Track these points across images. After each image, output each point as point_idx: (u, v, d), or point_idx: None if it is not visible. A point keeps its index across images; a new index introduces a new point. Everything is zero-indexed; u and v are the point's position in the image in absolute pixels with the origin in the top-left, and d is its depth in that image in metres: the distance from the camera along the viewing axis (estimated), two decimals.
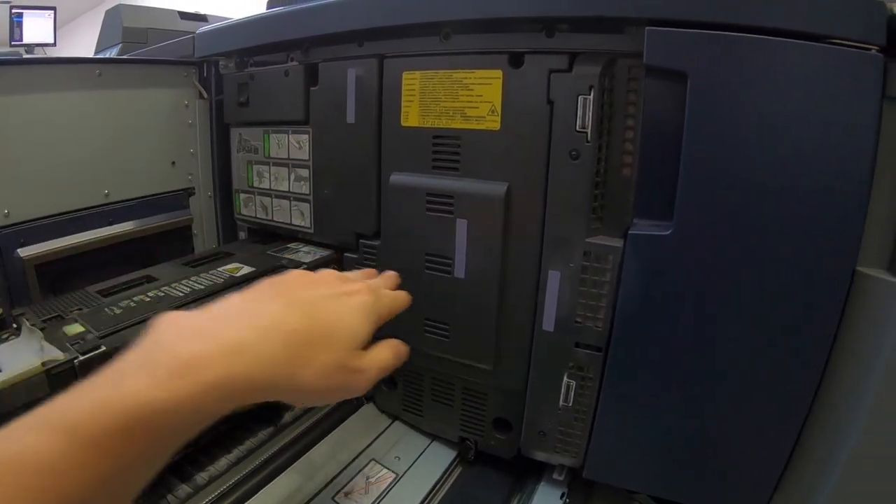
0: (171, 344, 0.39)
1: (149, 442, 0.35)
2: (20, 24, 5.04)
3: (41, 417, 0.33)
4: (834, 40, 0.48)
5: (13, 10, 5.03)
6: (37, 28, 5.11)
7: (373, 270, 0.65)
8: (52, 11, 5.18)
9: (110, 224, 0.91)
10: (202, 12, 1.65)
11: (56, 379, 0.52)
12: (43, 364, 0.51)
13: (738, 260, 0.54)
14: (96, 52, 1.53)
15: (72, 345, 0.56)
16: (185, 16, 1.57)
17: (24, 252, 0.79)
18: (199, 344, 0.39)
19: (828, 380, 0.53)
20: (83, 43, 6.27)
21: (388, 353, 0.53)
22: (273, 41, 0.85)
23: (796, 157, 0.49)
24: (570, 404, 0.66)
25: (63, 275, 0.86)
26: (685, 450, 0.62)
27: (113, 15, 1.47)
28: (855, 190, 0.48)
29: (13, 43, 5.03)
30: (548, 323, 0.65)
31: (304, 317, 0.45)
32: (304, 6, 0.79)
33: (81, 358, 0.54)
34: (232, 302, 0.46)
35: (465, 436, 0.79)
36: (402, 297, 0.59)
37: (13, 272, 0.79)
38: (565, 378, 0.66)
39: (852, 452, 0.51)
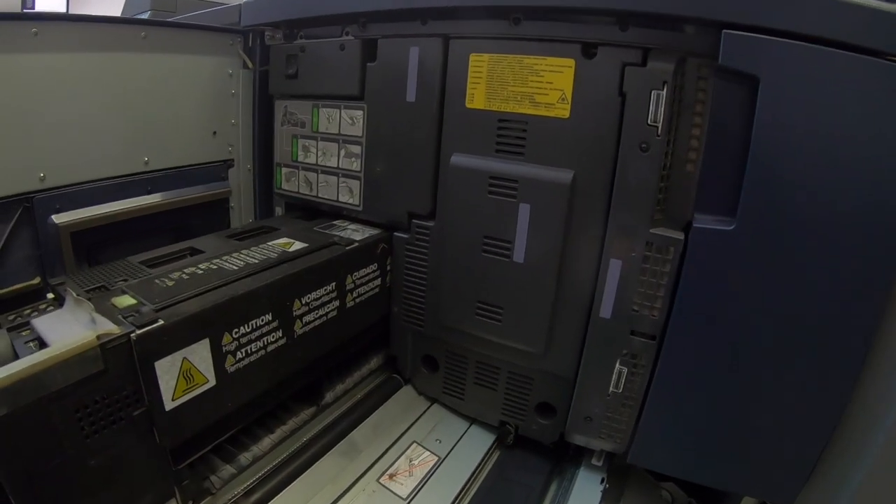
0: None
1: None
2: None
3: None
4: (891, 57, 0.52)
5: None
6: None
7: None
8: None
9: (149, 193, 0.92)
10: None
11: (111, 353, 0.52)
12: (98, 338, 0.51)
13: (793, 258, 0.58)
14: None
15: (125, 317, 0.56)
16: None
17: (59, 218, 0.80)
18: None
19: (864, 379, 0.58)
20: (95, 12, 6.21)
21: None
22: (329, 13, 0.87)
23: (852, 166, 0.54)
24: (620, 390, 0.71)
25: (98, 244, 0.87)
26: (728, 438, 0.67)
27: None
28: None
29: (24, 10, 4.99)
30: (605, 310, 0.69)
31: None
32: None
33: (139, 332, 0.54)
34: None
35: (506, 420, 0.83)
36: None
37: (47, 239, 0.80)
38: (617, 365, 0.70)
39: (882, 448, 0.55)
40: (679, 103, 0.63)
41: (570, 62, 0.66)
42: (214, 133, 1.02)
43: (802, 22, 0.54)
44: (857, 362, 0.58)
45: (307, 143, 0.95)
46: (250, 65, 1.03)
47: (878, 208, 0.53)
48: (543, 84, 0.68)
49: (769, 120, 0.56)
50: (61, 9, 5.18)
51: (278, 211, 1.06)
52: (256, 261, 0.74)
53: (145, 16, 1.44)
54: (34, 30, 0.74)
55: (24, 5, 5.08)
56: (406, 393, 0.92)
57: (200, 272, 0.70)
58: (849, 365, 0.58)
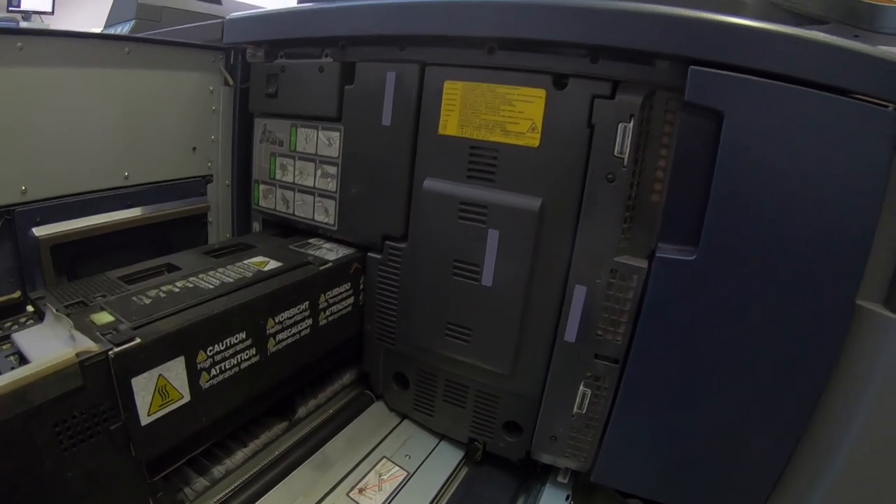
0: None
1: None
2: None
3: None
4: (856, 95, 0.54)
5: None
6: None
7: None
8: None
9: (128, 207, 0.92)
10: None
11: (89, 370, 0.53)
12: (77, 355, 0.52)
13: (755, 287, 0.60)
14: (106, 26, 1.53)
15: (103, 335, 0.57)
16: None
17: (39, 231, 0.80)
18: None
19: (824, 401, 0.60)
20: (81, 15, 6.15)
21: None
22: (310, 36, 0.88)
23: (813, 198, 0.56)
24: (584, 411, 0.72)
25: (78, 257, 0.87)
26: (690, 459, 0.69)
27: None
28: (861, 231, 0.55)
29: (10, 9, 4.93)
30: (570, 334, 0.70)
31: None
32: (345, 4, 0.82)
33: (117, 349, 0.55)
34: None
35: (474, 437, 0.84)
36: None
37: (27, 252, 0.80)
38: (581, 387, 0.71)
39: (841, 471, 0.58)
40: (646, 135, 0.65)
41: (542, 92, 0.68)
42: (194, 149, 1.02)
43: (767, 60, 0.56)
44: (818, 386, 0.60)
45: (285, 162, 0.96)
46: (231, 82, 1.03)
47: (835, 236, 0.56)
48: (515, 113, 0.69)
49: (732, 154, 0.58)
50: (47, 8, 5.15)
51: (256, 226, 1.06)
52: (231, 280, 0.74)
53: (130, 24, 1.44)
54: (19, 44, 0.75)
55: (9, 3, 5.05)
56: (377, 409, 0.93)
57: (177, 290, 0.70)
58: (808, 388, 0.60)
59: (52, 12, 5.18)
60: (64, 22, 5.51)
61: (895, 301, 0.55)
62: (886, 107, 0.54)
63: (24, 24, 4.64)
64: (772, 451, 0.64)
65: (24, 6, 5.09)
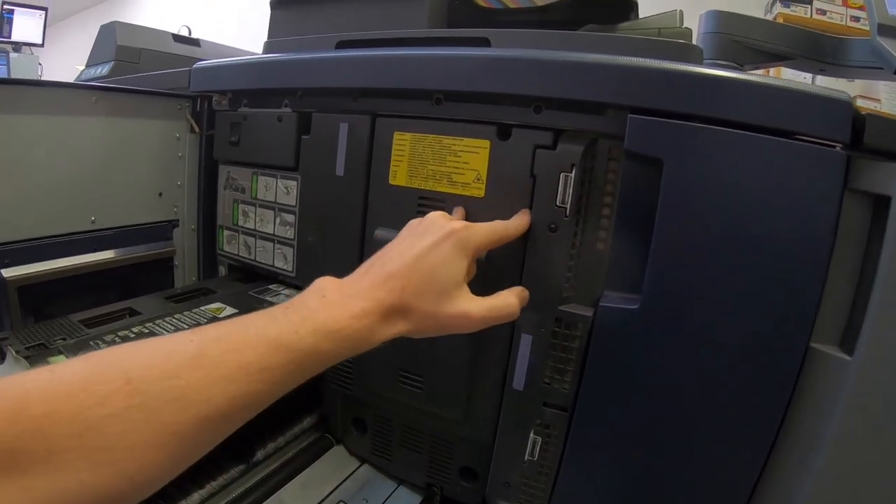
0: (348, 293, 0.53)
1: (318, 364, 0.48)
2: (10, 21, 5.02)
3: (264, 335, 0.44)
4: (801, 137, 0.53)
5: (5, 6, 5.00)
6: (26, 26, 5.09)
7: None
8: (44, 12, 5.17)
9: (94, 251, 0.92)
10: (195, 36, 1.67)
11: None
12: None
13: (701, 334, 0.58)
14: (87, 66, 1.54)
15: None
16: (178, 38, 1.59)
17: (7, 273, 0.80)
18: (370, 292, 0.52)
19: (778, 447, 0.58)
20: (70, 45, 6.23)
21: (510, 298, 0.61)
22: (269, 87, 0.88)
23: (760, 242, 0.54)
24: (535, 458, 0.70)
25: (44, 299, 0.87)
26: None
27: (107, 31, 1.48)
28: (812, 273, 0.53)
29: (1, 39, 5.03)
30: (518, 382, 0.69)
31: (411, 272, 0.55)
32: (301, 56, 0.83)
33: None
34: (383, 264, 0.56)
35: (431, 482, 0.82)
36: (499, 227, 0.63)
37: None
38: (532, 434, 0.69)
39: None
40: (589, 184, 0.64)
41: (486, 143, 0.67)
42: (160, 194, 1.02)
43: (706, 105, 0.55)
44: (770, 431, 0.58)
45: (247, 209, 0.95)
46: (197, 129, 1.03)
47: (784, 280, 0.54)
48: (460, 164, 0.69)
49: (672, 201, 0.57)
50: (37, 40, 5.23)
51: (222, 270, 1.05)
52: (186, 326, 0.73)
53: (109, 66, 1.44)
54: None
55: (0, 33, 5.12)
56: (336, 453, 0.90)
57: (132, 335, 0.70)
58: (760, 435, 0.58)
59: (42, 45, 5.25)
60: (52, 53, 5.60)
61: (850, 343, 0.53)
62: (834, 147, 0.53)
63: (14, 56, 4.73)
64: (727, 498, 0.62)
65: (15, 37, 5.17)
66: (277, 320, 0.47)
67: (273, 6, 1.00)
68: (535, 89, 0.64)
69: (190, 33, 1.80)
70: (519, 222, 0.64)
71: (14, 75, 4.50)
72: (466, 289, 0.58)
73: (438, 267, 0.55)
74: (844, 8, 3.26)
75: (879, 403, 0.52)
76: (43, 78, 4.85)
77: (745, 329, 0.57)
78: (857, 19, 3.20)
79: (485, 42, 0.75)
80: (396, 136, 0.74)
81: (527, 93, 0.64)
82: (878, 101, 3.13)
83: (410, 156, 0.73)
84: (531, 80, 0.64)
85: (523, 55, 0.64)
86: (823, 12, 3.26)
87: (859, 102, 3.08)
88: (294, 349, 0.45)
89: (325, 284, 0.53)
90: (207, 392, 0.40)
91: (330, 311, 0.49)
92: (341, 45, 0.86)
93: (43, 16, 5.18)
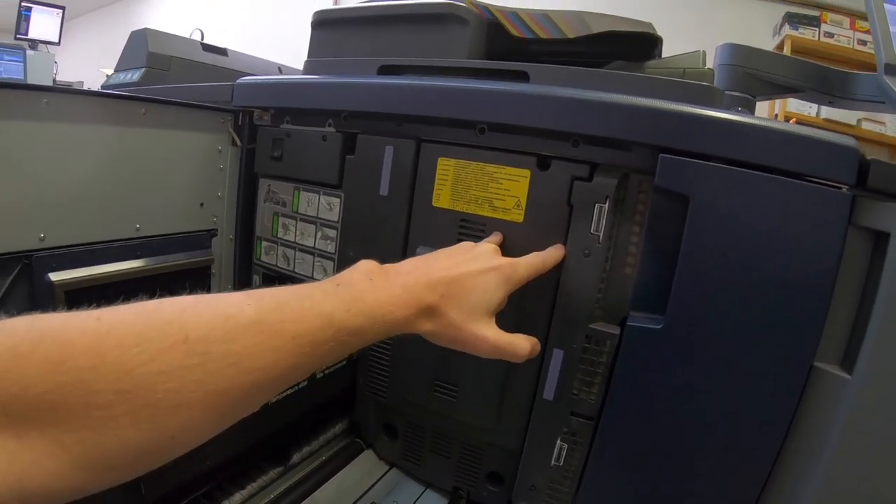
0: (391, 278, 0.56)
1: (357, 343, 0.51)
2: (28, 19, 5.04)
3: (313, 310, 0.46)
4: (811, 178, 0.60)
5: (23, 4, 5.03)
6: (43, 25, 5.11)
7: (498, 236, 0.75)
8: (61, 11, 5.19)
9: (138, 257, 0.96)
10: (223, 46, 1.72)
11: None
12: None
13: (717, 353, 0.65)
14: (117, 71, 1.57)
15: None
16: (206, 48, 1.63)
17: (55, 276, 0.83)
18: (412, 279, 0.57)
19: (784, 456, 0.65)
20: (86, 44, 6.26)
21: (524, 343, 0.65)
22: (314, 107, 0.94)
23: (771, 271, 0.62)
24: (561, 464, 0.77)
25: (89, 303, 0.88)
26: None
27: (138, 37, 1.53)
28: (818, 299, 0.60)
29: (18, 36, 5.03)
30: (548, 392, 0.75)
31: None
32: (348, 80, 0.89)
33: None
34: (428, 267, 0.60)
35: (458, 486, 0.89)
36: (538, 261, 0.68)
37: (43, 296, 0.83)
38: (559, 441, 0.76)
39: None
40: (620, 214, 0.71)
41: (527, 173, 0.73)
42: (202, 204, 1.07)
43: (729, 147, 0.62)
44: (775, 444, 0.65)
45: (287, 222, 1.01)
46: (238, 142, 1.08)
47: (793, 306, 0.61)
48: (501, 191, 0.75)
49: (696, 234, 0.64)
50: (54, 38, 5.25)
51: (256, 280, 1.10)
52: None
53: (140, 72, 1.49)
54: (45, 100, 0.79)
55: (17, 31, 5.14)
56: (367, 457, 0.96)
57: None
58: (767, 447, 0.65)
59: (59, 43, 5.27)
60: (68, 51, 5.62)
61: (850, 363, 0.60)
62: (840, 188, 0.60)
63: (30, 53, 4.71)
64: (735, 501, 0.69)
65: (32, 35, 5.18)
66: (330, 297, 0.48)
67: (314, 26, 1.05)
68: (573, 126, 0.70)
69: (203, 37, 1.84)
70: (555, 255, 0.71)
71: (30, 73, 4.57)
72: (493, 318, 0.63)
73: (479, 291, 0.61)
74: (852, 31, 3.35)
75: (877, 419, 0.59)
76: (58, 76, 4.87)
77: (757, 349, 0.64)
78: (863, 42, 3.28)
79: (524, 76, 0.81)
80: (441, 161, 0.80)
81: (566, 129, 0.71)
82: (882, 123, 3.21)
83: (454, 180, 0.79)
84: (570, 117, 0.70)
85: (563, 94, 0.71)
86: (831, 35, 3.35)
87: (864, 125, 3.16)
88: (343, 327, 0.47)
89: (370, 267, 0.56)
90: (261, 359, 0.41)
91: (377, 295, 0.52)
92: (383, 69, 0.92)
93: (60, 14, 5.20)
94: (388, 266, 0.59)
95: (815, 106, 3.06)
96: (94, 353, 0.34)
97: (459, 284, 0.60)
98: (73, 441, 0.32)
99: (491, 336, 0.61)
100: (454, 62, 0.88)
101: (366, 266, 0.56)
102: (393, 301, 0.53)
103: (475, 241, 0.74)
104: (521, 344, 0.64)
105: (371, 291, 0.52)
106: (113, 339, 0.35)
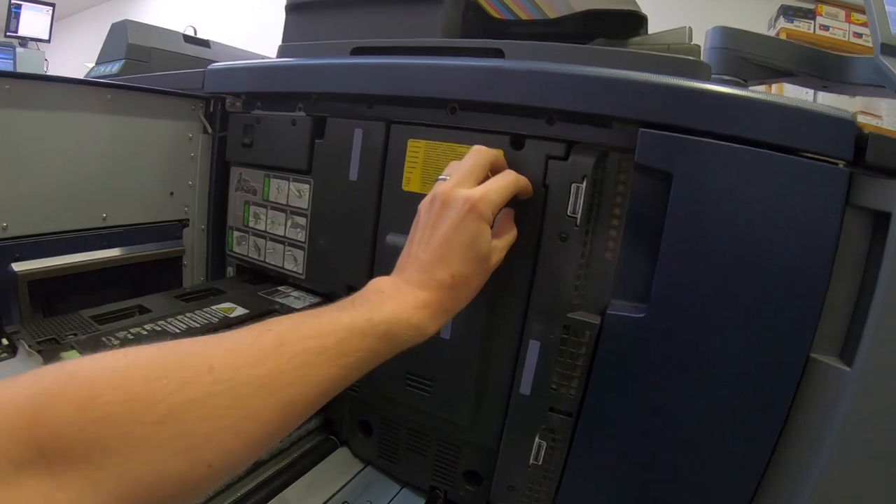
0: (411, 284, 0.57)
1: (391, 349, 0.53)
2: (17, 16, 5.03)
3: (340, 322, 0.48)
4: (805, 154, 0.55)
5: (12, 1, 5.02)
6: (34, 22, 5.10)
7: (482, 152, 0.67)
8: (52, 8, 5.18)
9: (105, 248, 0.93)
10: (204, 37, 1.69)
11: None
12: None
13: (705, 344, 0.60)
14: (98, 63, 1.54)
15: None
16: (188, 39, 1.59)
17: (18, 267, 0.81)
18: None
19: (779, 453, 0.60)
20: (76, 42, 6.24)
21: (512, 232, 0.66)
22: (283, 90, 0.90)
23: (762, 254, 0.56)
24: (540, 463, 0.72)
25: (54, 294, 0.88)
26: None
27: (119, 29, 1.49)
28: (814, 285, 0.55)
29: (8, 34, 5.02)
30: (525, 387, 0.70)
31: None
32: (317, 62, 0.84)
33: None
34: (417, 256, 0.60)
35: (435, 485, 0.84)
36: (509, 181, 0.63)
37: (5, 286, 0.81)
38: (537, 439, 0.71)
39: None
40: (599, 195, 0.66)
41: (500, 153, 0.68)
42: (172, 193, 1.03)
43: (715, 121, 0.57)
44: (771, 438, 0.59)
45: (258, 211, 0.96)
46: (210, 130, 1.04)
47: (787, 292, 0.56)
48: None
49: (680, 213, 0.59)
50: (44, 36, 5.24)
51: (230, 271, 1.06)
52: (198, 325, 0.74)
53: (119, 64, 1.46)
54: (7, 86, 0.76)
55: (7, 28, 5.13)
56: (341, 454, 0.92)
57: (145, 333, 0.70)
58: (762, 441, 0.60)
59: (49, 40, 5.26)
60: (59, 49, 5.60)
61: (850, 354, 0.55)
62: (836, 164, 0.55)
63: (20, 51, 4.71)
64: (727, 501, 0.63)
65: (22, 32, 5.17)
66: (347, 310, 0.50)
67: (288, 10, 1.01)
68: (547, 101, 0.66)
69: (196, 33, 1.81)
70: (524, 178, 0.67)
71: (20, 70, 4.45)
72: (493, 242, 0.62)
73: (470, 244, 0.58)
74: (847, 24, 3.30)
75: (877, 413, 0.54)
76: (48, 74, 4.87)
77: (748, 338, 0.58)
78: (859, 35, 3.24)
79: (499, 53, 0.76)
80: (411, 143, 0.76)
81: (540, 105, 0.66)
82: (879, 117, 3.16)
83: (424, 163, 0.74)
84: (544, 92, 0.66)
85: (537, 67, 0.66)
86: (826, 28, 3.30)
87: (861, 119, 3.10)
88: (368, 335, 0.48)
89: (380, 284, 0.57)
90: (290, 378, 0.42)
91: (394, 303, 0.53)
92: (356, 51, 0.88)
93: (50, 11, 5.19)
94: (392, 276, 0.60)
95: (811, 93, 3.01)
96: (121, 388, 0.34)
97: (451, 251, 0.58)
98: (108, 478, 0.33)
99: (498, 258, 0.63)
100: (428, 42, 0.83)
101: (376, 283, 0.57)
102: (412, 304, 0.55)
103: None
104: (513, 231, 0.66)
105: (387, 300, 0.53)
106: (139, 374, 0.36)
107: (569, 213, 0.65)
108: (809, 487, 0.57)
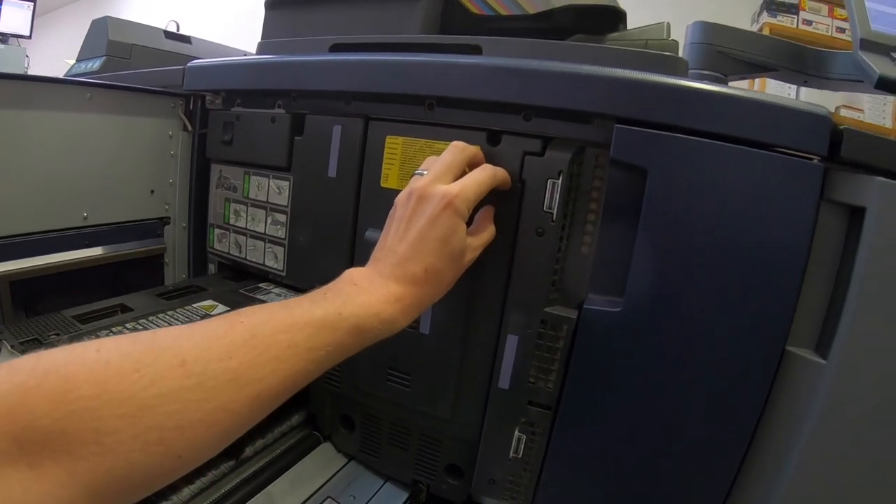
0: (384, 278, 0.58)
1: (359, 343, 0.53)
2: None
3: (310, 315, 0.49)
4: (779, 149, 0.56)
5: None
6: (14, 18, 5.02)
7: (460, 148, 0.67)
8: (32, 4, 5.11)
9: (86, 247, 0.93)
10: (186, 34, 1.68)
11: None
12: None
13: (680, 337, 0.61)
14: (78, 60, 1.53)
15: None
16: (169, 35, 1.58)
17: None
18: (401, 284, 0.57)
19: (756, 445, 0.61)
20: (58, 38, 6.19)
21: (491, 225, 0.67)
22: (263, 87, 0.90)
23: (738, 249, 0.57)
24: (520, 456, 0.72)
25: (35, 294, 0.88)
26: (623, 500, 0.69)
27: (99, 26, 1.48)
28: (789, 279, 0.56)
29: None
30: (503, 381, 0.71)
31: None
32: (296, 59, 0.84)
33: None
34: (392, 249, 0.60)
35: (418, 479, 0.84)
36: (486, 175, 0.63)
37: None
38: (516, 432, 0.71)
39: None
40: (576, 190, 0.66)
41: (477, 149, 0.69)
42: (152, 192, 1.03)
43: (689, 117, 0.57)
44: (747, 430, 0.60)
45: (238, 208, 0.96)
46: (190, 128, 1.04)
47: (762, 285, 0.57)
48: None
49: (655, 209, 0.59)
50: (25, 32, 5.18)
51: (212, 268, 1.06)
52: (179, 322, 0.74)
53: (100, 61, 1.45)
54: None
55: None
56: (324, 450, 0.92)
57: (127, 331, 0.70)
58: (739, 433, 0.61)
59: (30, 36, 5.20)
60: (40, 45, 5.54)
61: (825, 347, 0.56)
62: (811, 159, 0.55)
63: (0, 47, 4.67)
64: (706, 495, 0.64)
65: (2, 28, 5.10)
66: (319, 303, 0.50)
67: (267, 7, 1.00)
68: (524, 98, 0.66)
69: (178, 29, 1.80)
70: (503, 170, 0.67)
71: (1, 67, 4.45)
72: (469, 239, 0.62)
73: (445, 240, 0.58)
74: (830, 19, 3.31)
75: (852, 406, 0.55)
76: (30, 71, 4.81)
77: (724, 332, 0.59)
78: (842, 30, 3.25)
79: (477, 50, 0.76)
80: (388, 139, 0.75)
81: (516, 101, 0.66)
82: (861, 111, 3.18)
83: (402, 159, 0.74)
84: (520, 89, 0.66)
85: (513, 64, 0.66)
86: (809, 23, 3.31)
87: (843, 112, 3.12)
88: (338, 329, 0.49)
89: (354, 275, 0.57)
90: (260, 371, 0.42)
91: (366, 296, 0.53)
92: (335, 48, 0.87)
93: (31, 7, 5.12)
94: (366, 268, 0.60)
95: (793, 89, 3.01)
96: (96, 382, 0.35)
97: (425, 248, 0.58)
98: (84, 469, 0.33)
99: (473, 256, 0.63)
100: (406, 38, 0.83)
101: (349, 274, 0.58)
102: (384, 298, 0.55)
103: None
104: (491, 230, 0.67)
105: (359, 293, 0.54)
106: (113, 368, 0.36)
107: (545, 209, 0.65)
108: (786, 477, 0.57)
